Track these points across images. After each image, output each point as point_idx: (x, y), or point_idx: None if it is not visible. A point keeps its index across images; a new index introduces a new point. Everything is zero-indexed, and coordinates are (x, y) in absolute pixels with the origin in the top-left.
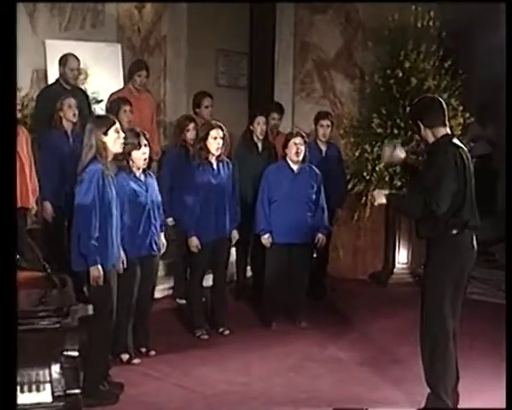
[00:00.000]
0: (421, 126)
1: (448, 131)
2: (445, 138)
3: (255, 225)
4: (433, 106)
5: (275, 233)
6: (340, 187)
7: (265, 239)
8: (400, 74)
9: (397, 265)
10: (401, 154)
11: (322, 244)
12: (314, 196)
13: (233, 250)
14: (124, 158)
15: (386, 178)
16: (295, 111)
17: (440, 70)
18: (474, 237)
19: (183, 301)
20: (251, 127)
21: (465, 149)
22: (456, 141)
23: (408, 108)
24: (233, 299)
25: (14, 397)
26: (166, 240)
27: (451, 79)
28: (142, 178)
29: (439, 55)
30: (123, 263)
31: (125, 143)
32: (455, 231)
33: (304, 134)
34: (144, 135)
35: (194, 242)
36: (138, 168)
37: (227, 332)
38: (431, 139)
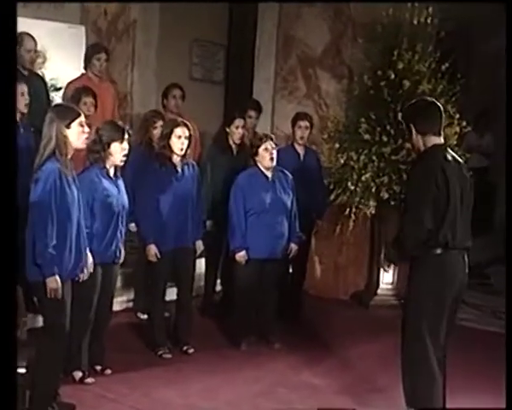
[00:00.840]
0: (413, 131)
1: (441, 141)
2: (435, 149)
3: (230, 241)
4: (428, 111)
5: (251, 249)
6: (318, 196)
7: (241, 257)
8: (392, 76)
9: (381, 285)
10: None
11: (293, 254)
12: (289, 204)
13: (202, 261)
14: (102, 149)
15: (373, 189)
16: (275, 111)
17: (437, 73)
18: (466, 259)
19: (145, 316)
20: (227, 129)
21: (458, 162)
22: (447, 153)
23: (400, 113)
24: (199, 315)
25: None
26: (129, 247)
27: (448, 83)
28: (114, 178)
29: (436, 56)
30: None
31: (102, 136)
32: (439, 251)
33: (273, 137)
34: (128, 132)
35: (152, 250)
36: (113, 165)
37: (191, 351)
38: (422, 148)
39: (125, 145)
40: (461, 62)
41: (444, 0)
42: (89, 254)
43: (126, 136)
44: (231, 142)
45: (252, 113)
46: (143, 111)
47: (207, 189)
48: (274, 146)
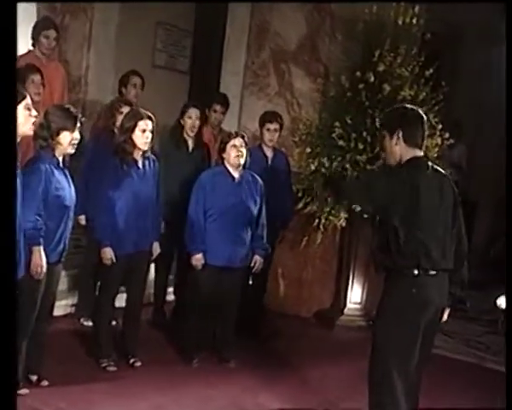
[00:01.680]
0: (400, 139)
1: (421, 154)
2: (414, 161)
3: (187, 243)
4: (418, 120)
5: (209, 253)
6: (285, 203)
7: (197, 260)
8: (372, 79)
9: (348, 304)
10: None
11: (258, 268)
12: (256, 211)
13: (152, 267)
14: (50, 137)
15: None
16: (243, 107)
17: (420, 79)
18: (447, 281)
19: (89, 323)
20: (181, 121)
21: (440, 176)
22: (427, 166)
23: (382, 117)
24: (148, 325)
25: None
26: (74, 246)
27: (432, 90)
28: (63, 168)
29: (420, 60)
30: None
31: (51, 121)
32: (415, 272)
33: (244, 135)
34: (80, 120)
35: (107, 253)
36: (63, 154)
37: (138, 364)
38: (402, 159)
39: (76, 135)
40: (446, 68)
41: (439, 0)
42: (43, 254)
43: (78, 124)
44: (186, 136)
45: (217, 107)
46: (99, 97)
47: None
48: (244, 144)
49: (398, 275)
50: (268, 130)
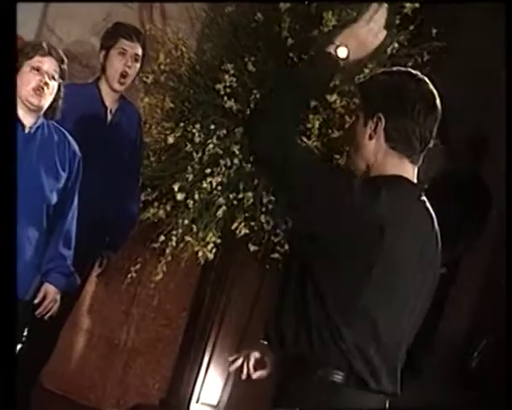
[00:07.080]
0: (380, 132)
1: (412, 177)
2: (400, 183)
3: None
4: (422, 106)
5: None
6: (126, 199)
7: None
8: None
9: (193, 405)
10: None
11: (49, 309)
12: (55, 197)
13: None
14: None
15: (220, 211)
16: None
17: (394, 16)
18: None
19: None
20: None
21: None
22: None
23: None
24: None
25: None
26: None
27: (411, 42)
28: None
29: None
30: None
31: None
32: (338, 377)
33: (62, 54)
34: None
35: None
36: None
37: None
38: (378, 167)
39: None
40: (445, 11)
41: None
42: None
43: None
44: None
45: None
46: None
47: None
48: (55, 72)
49: (303, 377)
50: (122, 53)
